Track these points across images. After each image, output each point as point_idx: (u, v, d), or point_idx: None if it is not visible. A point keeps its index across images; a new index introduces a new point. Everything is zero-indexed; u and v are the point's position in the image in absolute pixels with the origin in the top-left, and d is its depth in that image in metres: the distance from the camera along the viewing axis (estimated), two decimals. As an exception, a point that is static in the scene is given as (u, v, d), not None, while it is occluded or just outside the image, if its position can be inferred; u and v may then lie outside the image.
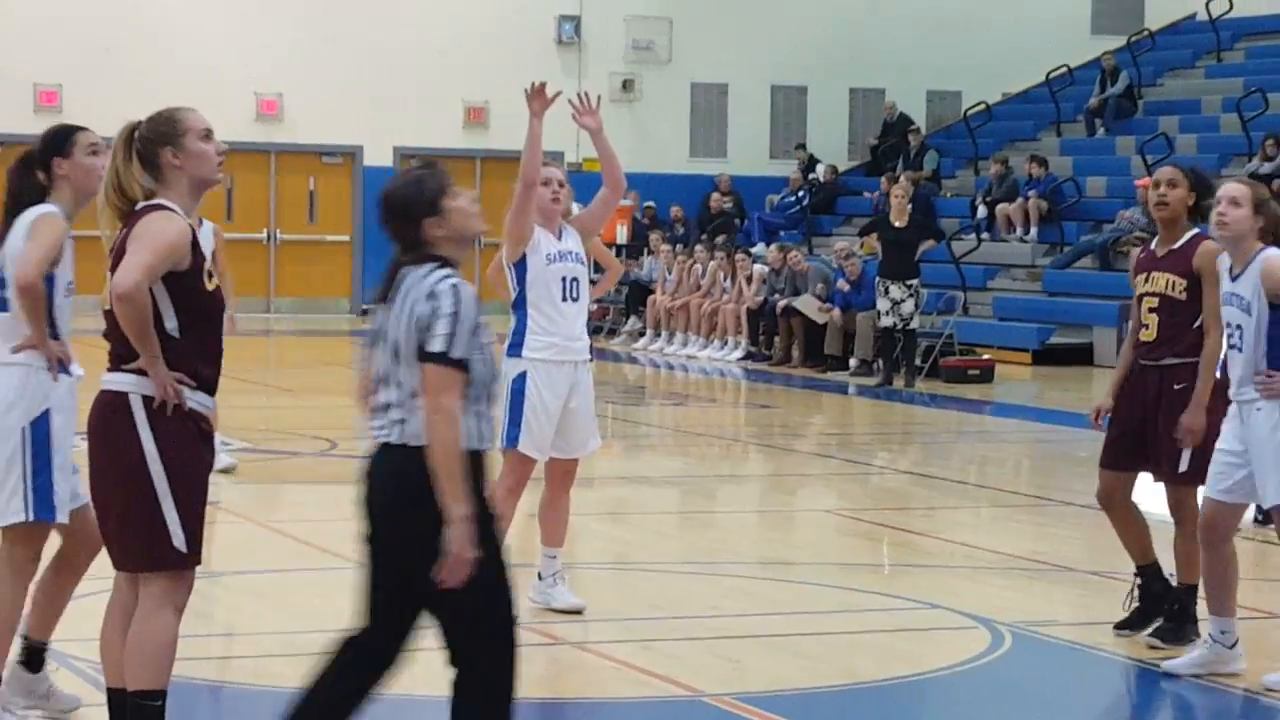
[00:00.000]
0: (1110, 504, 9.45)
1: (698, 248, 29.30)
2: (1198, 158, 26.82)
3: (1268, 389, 8.30)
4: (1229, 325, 8.49)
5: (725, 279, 27.84)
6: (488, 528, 5.84)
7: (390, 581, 5.95)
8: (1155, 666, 8.72)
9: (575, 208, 10.13)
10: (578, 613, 9.48)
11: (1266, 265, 8.36)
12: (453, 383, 5.76)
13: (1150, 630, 9.24)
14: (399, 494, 5.86)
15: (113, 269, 6.45)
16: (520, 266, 9.55)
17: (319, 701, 5.99)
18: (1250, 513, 12.82)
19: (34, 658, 7.35)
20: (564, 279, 9.54)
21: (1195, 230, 9.27)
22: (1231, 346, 8.50)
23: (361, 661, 6.00)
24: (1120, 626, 9.41)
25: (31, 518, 7.05)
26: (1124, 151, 30.19)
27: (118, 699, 6.66)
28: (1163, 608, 9.22)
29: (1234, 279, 8.50)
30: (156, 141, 6.56)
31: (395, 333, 5.89)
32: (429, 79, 33.98)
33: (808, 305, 25.68)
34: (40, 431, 7.06)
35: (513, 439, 9.47)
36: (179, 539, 6.45)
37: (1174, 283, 9.18)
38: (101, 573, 6.75)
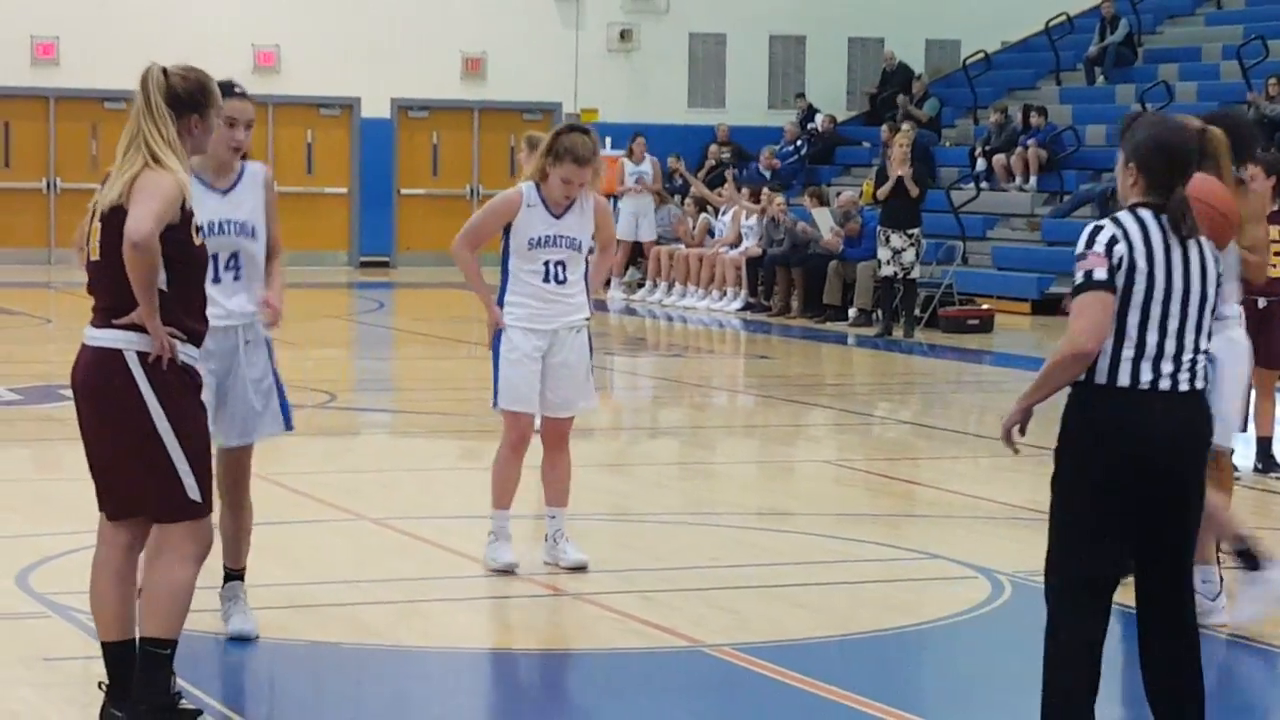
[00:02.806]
0: None
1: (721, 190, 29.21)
2: (1197, 106, 26.72)
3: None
4: None
5: (749, 219, 27.45)
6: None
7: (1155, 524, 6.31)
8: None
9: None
10: (582, 569, 9.44)
11: None
12: None
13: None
14: (1202, 436, 6.26)
15: (104, 222, 6.41)
16: (505, 234, 9.37)
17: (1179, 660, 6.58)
18: (1250, 461, 12.86)
19: None
20: (546, 263, 9.26)
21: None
22: None
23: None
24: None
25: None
26: (1124, 100, 30.12)
27: (113, 653, 6.66)
28: None
29: None
30: (190, 107, 6.55)
31: (1194, 284, 6.13)
32: (427, 30, 33.86)
33: (824, 220, 25.55)
34: None
35: (494, 397, 9.39)
36: (193, 490, 6.50)
37: None
38: (91, 527, 6.74)
